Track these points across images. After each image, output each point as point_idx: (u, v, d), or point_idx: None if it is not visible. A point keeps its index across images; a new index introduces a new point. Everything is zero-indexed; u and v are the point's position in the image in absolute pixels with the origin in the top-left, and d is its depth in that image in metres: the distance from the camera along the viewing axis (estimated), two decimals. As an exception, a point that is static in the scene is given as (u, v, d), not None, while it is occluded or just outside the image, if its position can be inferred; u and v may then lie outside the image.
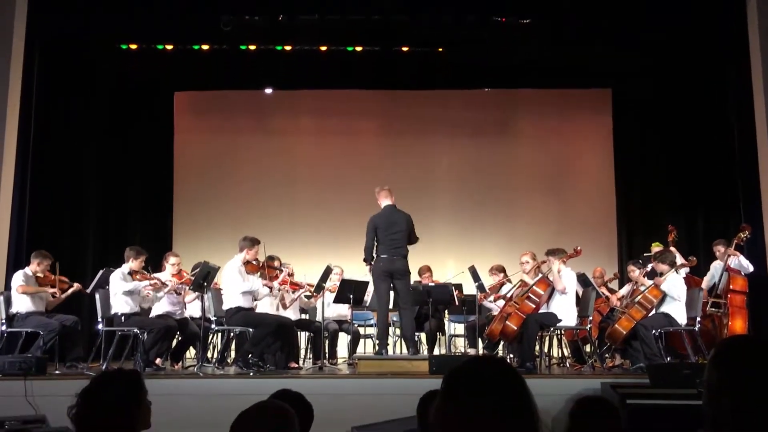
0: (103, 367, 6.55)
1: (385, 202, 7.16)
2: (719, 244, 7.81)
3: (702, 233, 9.55)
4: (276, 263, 7.63)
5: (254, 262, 7.17)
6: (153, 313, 7.31)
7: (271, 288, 7.27)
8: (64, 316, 6.96)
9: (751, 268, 7.42)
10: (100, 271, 7.38)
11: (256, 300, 7.27)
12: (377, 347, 7.26)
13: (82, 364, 6.82)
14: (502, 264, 8.31)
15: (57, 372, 6.49)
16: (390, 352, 7.46)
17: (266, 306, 7.45)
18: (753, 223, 7.55)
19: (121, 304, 6.92)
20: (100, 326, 7.03)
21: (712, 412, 1.51)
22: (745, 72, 7.64)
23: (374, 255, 7.01)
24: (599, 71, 9.79)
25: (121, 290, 6.90)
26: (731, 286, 7.38)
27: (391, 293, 7.14)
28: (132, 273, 7.06)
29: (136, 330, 6.82)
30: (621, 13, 8.27)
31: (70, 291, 7.22)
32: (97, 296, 7.11)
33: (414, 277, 7.92)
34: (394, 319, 7.89)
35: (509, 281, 8.13)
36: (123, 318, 6.88)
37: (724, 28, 8.24)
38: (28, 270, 7.02)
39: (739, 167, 8.38)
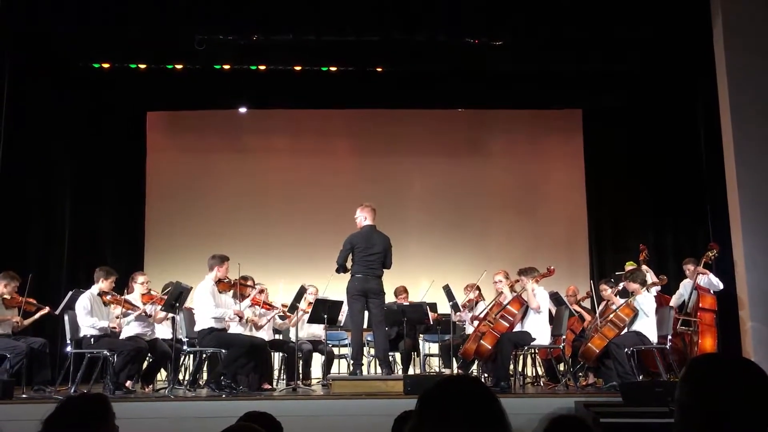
0: (72, 391, 6.41)
1: (366, 221, 7.15)
2: (689, 262, 7.92)
3: (671, 251, 9.69)
4: (249, 283, 7.58)
5: (226, 281, 7.11)
6: (123, 335, 7.18)
7: (240, 318, 7.20)
8: (32, 339, 6.81)
9: (721, 286, 7.52)
10: (69, 293, 7.24)
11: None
12: (352, 367, 7.22)
13: (49, 388, 6.66)
14: (476, 283, 8.34)
15: (24, 396, 6.35)
16: (364, 373, 7.42)
17: (239, 326, 7.38)
18: (721, 239, 7.67)
19: (90, 326, 6.80)
20: (68, 348, 6.89)
21: (684, 430, 1.52)
22: (713, 91, 7.81)
23: (349, 273, 7.01)
24: (570, 92, 9.94)
25: (84, 323, 6.78)
26: (701, 305, 7.48)
27: (366, 313, 7.12)
28: (102, 294, 6.95)
29: (105, 352, 6.70)
30: (592, 34, 8.41)
31: (38, 314, 7.07)
32: (66, 318, 6.97)
33: (390, 298, 7.92)
34: (368, 338, 7.86)
35: (483, 299, 8.17)
36: (92, 340, 6.75)
37: (691, 47, 8.43)
38: (-4, 292, 6.87)
39: (707, 185, 8.54)
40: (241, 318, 7.21)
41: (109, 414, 2.29)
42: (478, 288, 8.30)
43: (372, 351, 7.95)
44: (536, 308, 7.02)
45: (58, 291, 8.27)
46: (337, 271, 7.09)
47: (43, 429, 2.23)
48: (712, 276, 7.55)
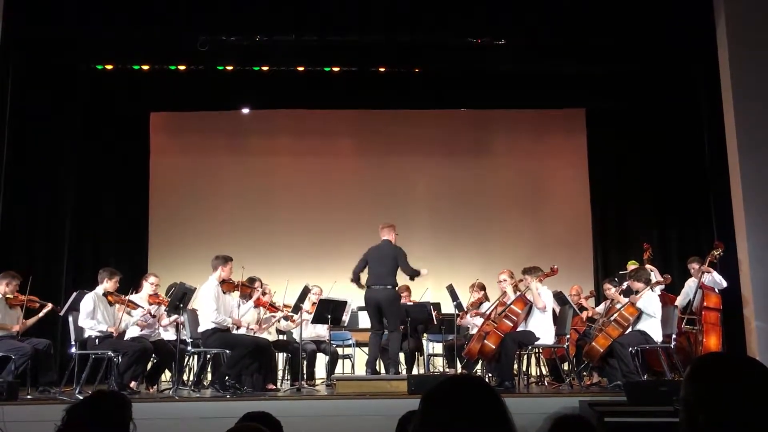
0: (77, 392, 6.43)
1: (383, 237, 7.46)
2: (693, 261, 7.91)
3: (676, 250, 9.68)
4: (257, 284, 7.60)
5: (230, 281, 7.12)
6: (127, 336, 7.20)
7: (238, 327, 7.21)
8: (36, 340, 6.82)
9: (724, 284, 7.50)
10: (74, 294, 7.25)
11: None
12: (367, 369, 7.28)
13: (54, 389, 6.68)
14: (482, 282, 8.33)
15: (29, 397, 6.36)
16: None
17: (243, 327, 7.39)
18: (725, 238, 7.66)
19: (89, 329, 6.81)
20: (73, 349, 6.90)
21: (689, 429, 1.51)
22: (716, 89, 7.80)
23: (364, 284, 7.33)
24: (573, 91, 9.92)
25: (84, 326, 6.79)
26: (705, 304, 7.46)
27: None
28: (107, 294, 6.96)
29: (110, 353, 6.71)
30: (594, 34, 8.40)
31: (42, 312, 7.10)
32: (70, 319, 6.99)
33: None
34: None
35: (488, 299, 8.15)
36: (96, 341, 6.76)
37: (695, 44, 8.40)
38: (-3, 291, 6.89)
39: (711, 184, 8.52)
40: (238, 327, 7.22)
41: (130, 417, 2.33)
42: (483, 288, 8.28)
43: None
44: (543, 307, 7.01)
45: (63, 292, 8.30)
46: (351, 280, 7.44)
47: (66, 417, 2.25)
48: (716, 274, 7.53)
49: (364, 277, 7.40)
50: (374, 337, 7.28)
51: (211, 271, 7.10)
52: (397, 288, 7.41)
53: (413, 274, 7.32)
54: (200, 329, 7.02)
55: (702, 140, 8.78)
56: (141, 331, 7.22)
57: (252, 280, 7.60)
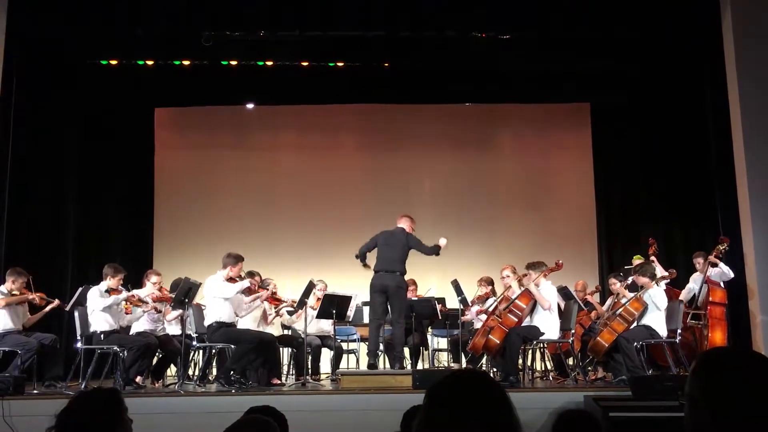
0: (82, 386, 6.45)
1: (398, 224, 7.51)
2: (699, 256, 7.87)
3: (681, 245, 9.65)
4: (257, 279, 7.60)
5: (238, 278, 7.13)
6: (133, 331, 7.23)
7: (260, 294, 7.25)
8: (42, 335, 6.86)
9: (732, 274, 7.45)
10: (79, 289, 7.28)
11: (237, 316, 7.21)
12: (368, 358, 7.26)
13: (60, 384, 6.71)
14: (491, 276, 8.31)
15: (35, 391, 6.39)
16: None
17: (248, 322, 7.41)
18: (731, 233, 7.63)
19: (100, 322, 6.83)
20: (78, 344, 6.93)
21: (694, 424, 1.51)
22: (721, 85, 7.77)
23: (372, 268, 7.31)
24: (578, 86, 9.89)
25: (99, 307, 6.79)
26: (710, 298, 7.43)
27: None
28: (110, 291, 6.98)
29: (115, 348, 6.74)
30: (599, 28, 8.37)
31: (49, 307, 7.12)
32: (76, 314, 7.01)
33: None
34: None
35: (495, 294, 8.15)
36: (102, 336, 6.79)
37: (700, 39, 8.36)
38: (3, 288, 6.91)
39: (716, 178, 8.50)
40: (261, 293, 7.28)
41: (121, 408, 2.32)
42: (492, 282, 8.27)
43: (381, 346, 7.96)
44: (548, 308, 7.00)
45: (68, 288, 8.32)
46: (356, 256, 7.41)
47: (56, 423, 2.25)
48: (723, 265, 7.46)
49: (371, 259, 7.37)
50: (374, 328, 7.24)
51: (220, 266, 7.11)
52: (405, 276, 7.38)
53: (434, 251, 7.35)
54: (205, 323, 7.05)
55: (707, 135, 8.74)
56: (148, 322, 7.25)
57: (252, 274, 7.61)
